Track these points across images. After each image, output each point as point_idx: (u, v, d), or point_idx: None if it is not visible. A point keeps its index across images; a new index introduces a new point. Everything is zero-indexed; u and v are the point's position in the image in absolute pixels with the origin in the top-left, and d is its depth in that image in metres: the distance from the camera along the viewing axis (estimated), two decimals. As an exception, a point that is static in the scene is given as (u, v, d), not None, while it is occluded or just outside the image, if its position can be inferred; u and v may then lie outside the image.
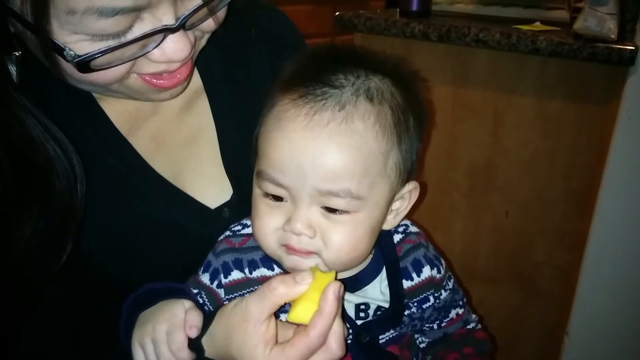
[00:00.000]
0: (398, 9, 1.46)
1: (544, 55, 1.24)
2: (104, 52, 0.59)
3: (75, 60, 0.58)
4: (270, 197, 0.67)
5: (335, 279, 0.62)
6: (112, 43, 0.59)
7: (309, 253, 0.66)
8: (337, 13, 1.45)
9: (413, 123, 0.69)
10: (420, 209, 0.89)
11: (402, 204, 0.73)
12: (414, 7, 1.41)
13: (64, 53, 0.58)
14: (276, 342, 0.60)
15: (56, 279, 0.67)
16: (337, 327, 0.60)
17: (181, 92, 0.74)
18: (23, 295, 0.66)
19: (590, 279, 1.37)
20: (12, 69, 0.61)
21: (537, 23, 1.35)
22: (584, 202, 1.34)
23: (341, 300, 0.60)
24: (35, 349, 0.75)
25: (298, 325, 0.61)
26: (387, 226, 0.73)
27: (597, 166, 1.30)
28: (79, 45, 0.58)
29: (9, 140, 0.60)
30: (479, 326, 0.87)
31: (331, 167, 0.62)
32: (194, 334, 0.63)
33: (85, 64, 0.59)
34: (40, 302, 0.73)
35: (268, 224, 0.67)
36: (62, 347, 0.76)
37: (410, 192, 0.73)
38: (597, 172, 1.30)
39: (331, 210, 0.65)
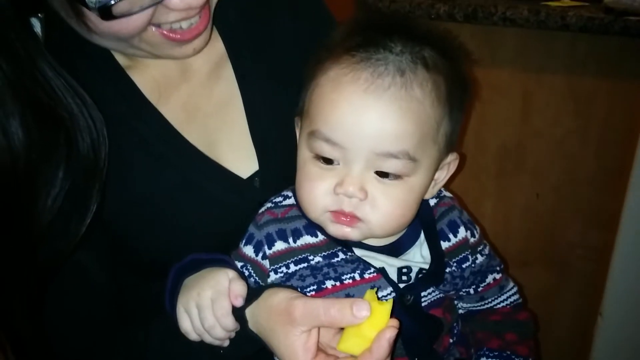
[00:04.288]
0: (422, -9, 1.44)
1: (573, 31, 1.21)
2: None
3: (97, 6, 0.60)
4: (321, 160, 0.67)
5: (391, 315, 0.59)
6: None
7: (356, 220, 0.67)
8: (359, -3, 1.44)
9: (461, 95, 0.71)
10: (450, 192, 0.89)
11: (442, 174, 0.75)
12: (439, -12, 1.39)
13: (87, 0, 0.60)
14: (317, 347, 0.60)
15: (79, 245, 0.66)
16: None
17: (204, 46, 0.74)
18: (47, 261, 0.65)
19: (624, 259, 1.33)
20: (38, 31, 0.62)
21: (566, -1, 1.33)
22: (617, 181, 1.31)
23: (393, 345, 0.58)
24: (80, 328, 0.75)
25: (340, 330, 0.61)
26: (427, 195, 0.75)
27: (631, 144, 1.26)
28: None
29: (33, 93, 0.61)
30: (519, 297, 0.86)
31: (392, 128, 0.64)
32: (239, 302, 0.63)
33: (107, 10, 0.61)
34: (84, 284, 0.74)
35: (318, 187, 0.67)
36: (107, 325, 0.76)
37: (450, 163, 0.75)
38: (630, 149, 1.27)
39: (384, 174, 0.66)
